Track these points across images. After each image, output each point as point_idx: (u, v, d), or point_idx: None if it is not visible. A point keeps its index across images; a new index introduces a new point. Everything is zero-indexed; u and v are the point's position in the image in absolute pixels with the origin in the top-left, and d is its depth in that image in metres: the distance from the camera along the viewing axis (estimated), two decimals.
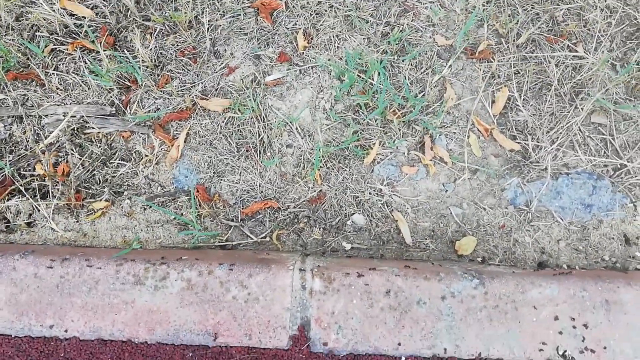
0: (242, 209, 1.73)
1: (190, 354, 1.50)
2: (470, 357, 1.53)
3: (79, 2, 1.99)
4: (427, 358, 1.52)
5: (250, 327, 1.53)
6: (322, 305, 1.54)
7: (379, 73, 1.74)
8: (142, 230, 1.73)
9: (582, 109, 1.73)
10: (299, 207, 1.72)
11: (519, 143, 1.72)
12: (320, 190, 1.72)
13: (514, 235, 1.70)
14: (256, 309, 1.54)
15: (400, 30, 1.84)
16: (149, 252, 1.68)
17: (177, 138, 1.77)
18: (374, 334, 1.54)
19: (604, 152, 1.72)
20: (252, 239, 1.73)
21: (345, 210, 1.71)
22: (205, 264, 1.60)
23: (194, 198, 1.70)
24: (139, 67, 1.81)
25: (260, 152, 1.75)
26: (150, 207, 1.73)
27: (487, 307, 1.56)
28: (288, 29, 1.88)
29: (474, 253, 1.69)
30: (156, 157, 1.76)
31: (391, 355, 1.51)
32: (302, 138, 1.74)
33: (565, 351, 1.55)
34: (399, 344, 1.53)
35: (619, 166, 1.72)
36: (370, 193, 1.72)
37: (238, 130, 1.77)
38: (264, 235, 1.71)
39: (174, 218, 1.75)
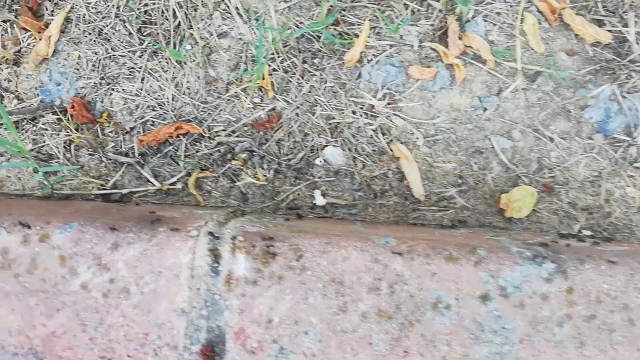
0: (142, 135, 1.14)
1: None
2: None
3: None
4: None
5: (112, 343, 0.81)
6: (249, 305, 0.81)
7: None
8: None
9: None
10: (236, 135, 1.14)
11: (609, 31, 1.12)
12: (273, 109, 1.14)
13: (606, 185, 1.09)
14: (124, 310, 0.82)
15: None
16: None
17: (50, 25, 1.21)
18: None
19: None
20: (153, 185, 1.13)
21: (313, 140, 1.13)
22: (41, 222, 0.87)
23: (69, 117, 1.15)
24: None
25: (175, 44, 1.16)
26: None
27: (574, 317, 0.81)
28: None
29: (532, 216, 1.08)
30: (15, 54, 1.20)
31: None
32: (246, 22, 1.15)
33: None
34: None
35: None
36: (354, 112, 1.13)
37: (143, 10, 1.19)
38: (174, 179, 1.13)
39: (16, 150, 1.13)
